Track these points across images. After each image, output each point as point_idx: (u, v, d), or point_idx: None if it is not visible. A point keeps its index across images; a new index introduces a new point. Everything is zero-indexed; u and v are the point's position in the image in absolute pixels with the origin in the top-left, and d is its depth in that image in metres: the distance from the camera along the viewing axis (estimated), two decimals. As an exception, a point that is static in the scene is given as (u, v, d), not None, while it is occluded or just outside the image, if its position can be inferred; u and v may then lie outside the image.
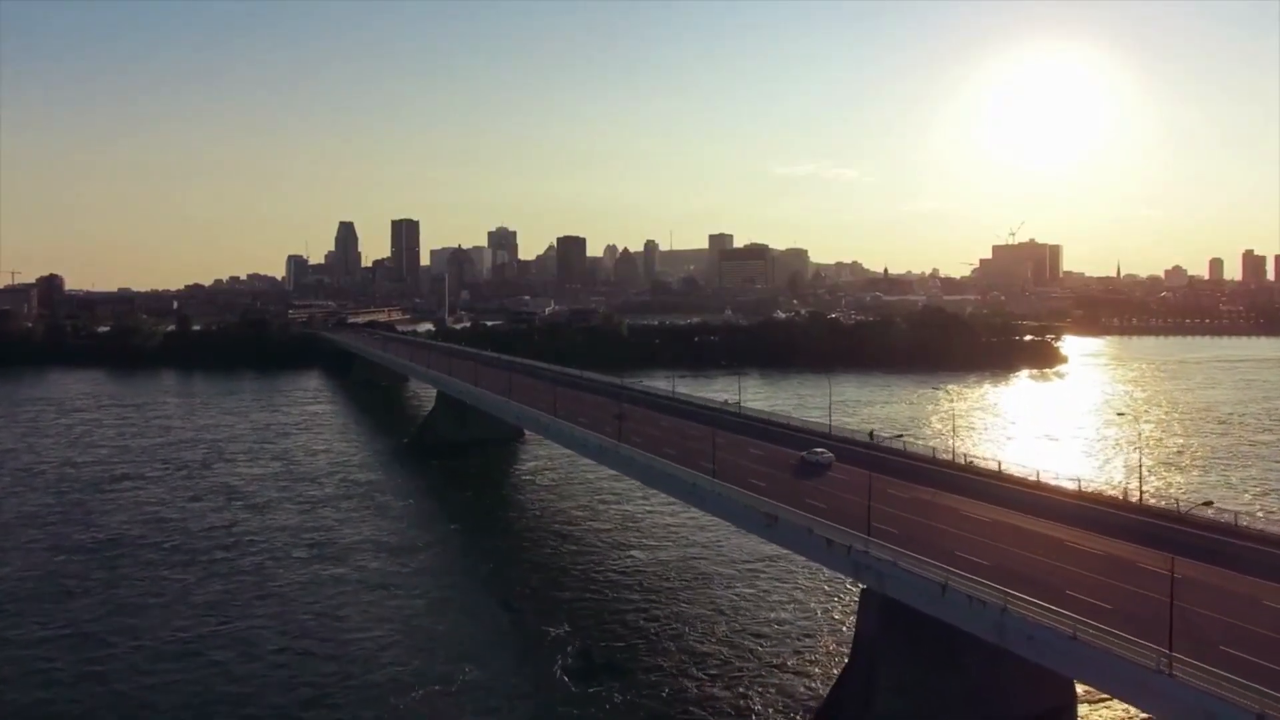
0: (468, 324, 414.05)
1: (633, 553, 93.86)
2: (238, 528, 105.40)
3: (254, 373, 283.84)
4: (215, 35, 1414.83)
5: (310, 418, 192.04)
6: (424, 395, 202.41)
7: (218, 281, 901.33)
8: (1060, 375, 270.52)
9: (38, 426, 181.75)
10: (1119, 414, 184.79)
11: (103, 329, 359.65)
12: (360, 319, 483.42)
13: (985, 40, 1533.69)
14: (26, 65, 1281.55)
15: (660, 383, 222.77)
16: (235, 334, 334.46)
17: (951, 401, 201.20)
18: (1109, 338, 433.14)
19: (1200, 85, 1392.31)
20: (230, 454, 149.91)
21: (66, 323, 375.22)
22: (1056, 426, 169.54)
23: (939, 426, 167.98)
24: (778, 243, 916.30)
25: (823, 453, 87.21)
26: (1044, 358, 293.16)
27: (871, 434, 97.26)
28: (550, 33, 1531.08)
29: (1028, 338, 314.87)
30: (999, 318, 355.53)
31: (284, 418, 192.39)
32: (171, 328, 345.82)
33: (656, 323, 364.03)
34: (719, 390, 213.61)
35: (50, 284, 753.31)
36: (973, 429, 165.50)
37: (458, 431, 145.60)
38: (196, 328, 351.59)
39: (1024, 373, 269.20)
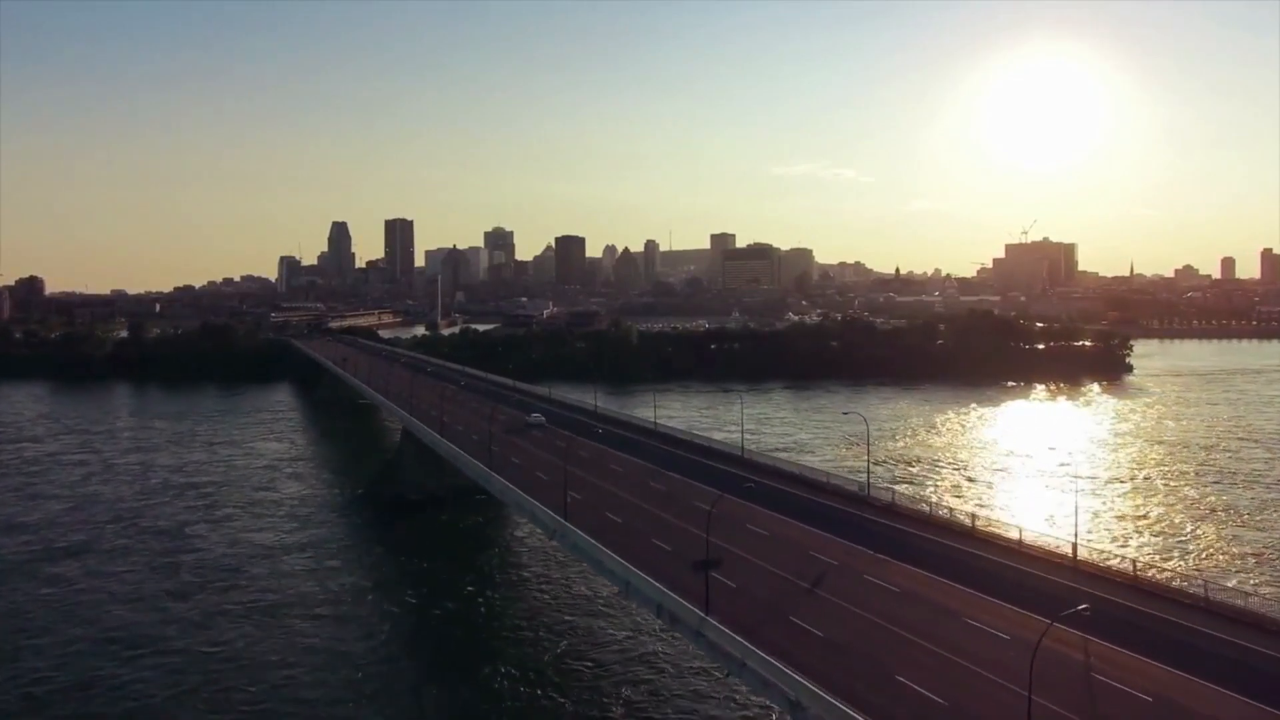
0: (456, 329, 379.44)
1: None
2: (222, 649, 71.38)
3: (217, 387, 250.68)
4: (210, 36, 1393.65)
5: (263, 451, 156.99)
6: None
7: (211, 283, 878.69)
8: (1142, 390, 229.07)
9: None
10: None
11: (55, 335, 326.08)
12: (346, 323, 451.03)
13: (983, 40, 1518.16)
14: (24, 66, 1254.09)
15: (677, 404, 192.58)
16: (197, 343, 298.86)
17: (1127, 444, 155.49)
18: (1147, 341, 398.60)
19: (1197, 85, 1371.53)
20: (201, 508, 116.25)
21: (16, 329, 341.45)
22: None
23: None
24: (778, 242, 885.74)
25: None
26: (1108, 368, 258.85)
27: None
28: (548, 32, 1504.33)
29: (1086, 343, 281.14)
30: (1057, 322, 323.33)
31: (248, 446, 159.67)
32: (124, 334, 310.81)
33: (669, 328, 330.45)
34: (791, 417, 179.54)
35: (30, 286, 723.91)
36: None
37: (430, 478, 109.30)
38: (157, 332, 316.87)
39: (1094, 387, 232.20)
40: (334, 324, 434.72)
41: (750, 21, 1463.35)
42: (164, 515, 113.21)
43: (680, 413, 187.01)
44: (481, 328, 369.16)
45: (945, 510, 70.08)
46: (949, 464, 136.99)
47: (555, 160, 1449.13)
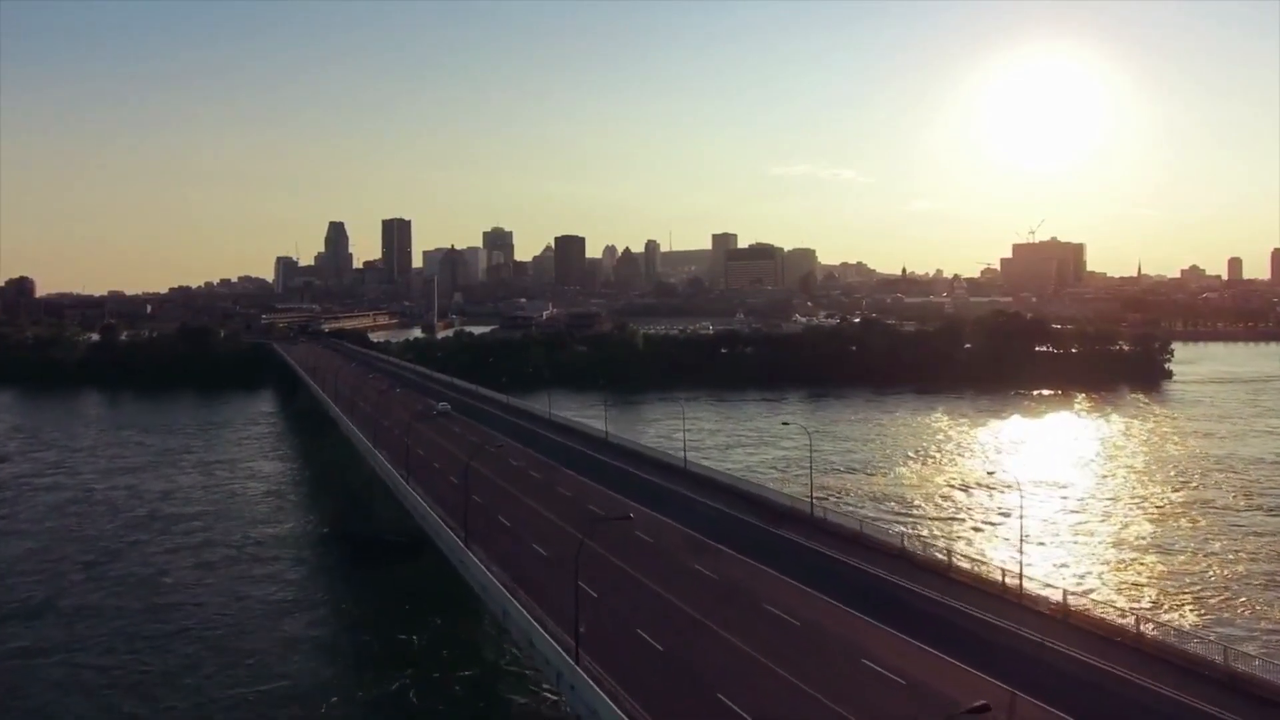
0: (450, 333, 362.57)
1: None
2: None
3: (195, 394, 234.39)
4: (209, 36, 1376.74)
5: (251, 472, 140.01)
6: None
7: (207, 284, 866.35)
8: (1201, 399, 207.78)
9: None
10: None
11: (28, 338, 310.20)
12: (339, 325, 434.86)
13: (983, 40, 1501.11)
14: (23, 67, 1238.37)
15: (712, 416, 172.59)
16: (174, 346, 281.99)
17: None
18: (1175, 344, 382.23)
19: (1197, 85, 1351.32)
20: (188, 548, 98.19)
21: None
22: None
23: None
24: (778, 242, 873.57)
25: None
26: (1145, 374, 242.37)
27: None
28: (547, 32, 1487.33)
29: (1124, 346, 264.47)
30: (1071, 324, 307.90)
31: (233, 467, 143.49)
32: (95, 338, 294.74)
33: (673, 330, 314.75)
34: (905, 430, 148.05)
35: (19, 287, 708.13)
36: None
37: (404, 516, 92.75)
38: (135, 334, 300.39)
39: (1139, 396, 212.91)
40: (327, 326, 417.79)
41: (750, 21, 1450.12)
42: (143, 559, 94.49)
43: (720, 426, 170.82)
44: (478, 330, 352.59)
45: (1168, 630, 46.26)
46: (1052, 491, 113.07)
47: (555, 160, 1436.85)
